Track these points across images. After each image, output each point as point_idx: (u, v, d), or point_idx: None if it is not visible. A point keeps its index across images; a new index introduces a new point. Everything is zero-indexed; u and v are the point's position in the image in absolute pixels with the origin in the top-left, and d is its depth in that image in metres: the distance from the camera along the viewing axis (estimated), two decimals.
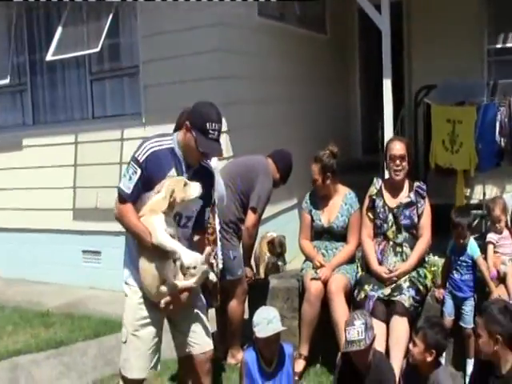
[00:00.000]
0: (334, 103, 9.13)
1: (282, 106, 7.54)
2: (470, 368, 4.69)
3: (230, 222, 5.06)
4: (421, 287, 4.81)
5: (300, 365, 4.93)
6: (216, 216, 4.66)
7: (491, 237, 4.91)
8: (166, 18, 6.64)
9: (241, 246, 5.22)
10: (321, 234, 5.26)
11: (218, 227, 4.71)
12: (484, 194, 6.83)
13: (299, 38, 8.18)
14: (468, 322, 4.71)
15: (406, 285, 4.75)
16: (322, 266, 5.05)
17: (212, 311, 4.93)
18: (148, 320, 3.61)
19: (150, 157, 3.46)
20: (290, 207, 7.41)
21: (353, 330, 3.85)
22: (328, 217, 5.21)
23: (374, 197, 5.05)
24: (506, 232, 4.88)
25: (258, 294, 5.38)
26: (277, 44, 7.51)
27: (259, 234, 5.63)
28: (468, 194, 6.97)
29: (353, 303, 4.88)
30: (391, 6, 6.17)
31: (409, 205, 4.95)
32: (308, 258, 5.27)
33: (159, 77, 6.84)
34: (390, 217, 4.97)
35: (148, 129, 6.97)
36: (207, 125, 3.44)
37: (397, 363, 4.36)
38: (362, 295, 4.81)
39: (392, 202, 5.00)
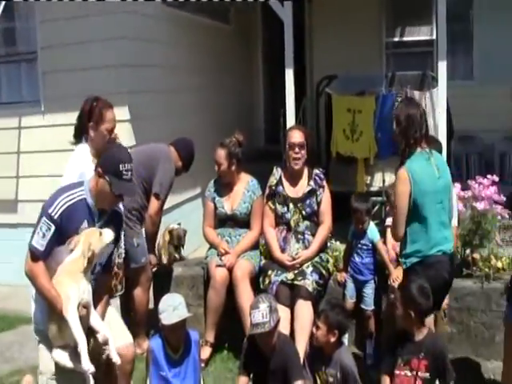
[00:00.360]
0: (237, 93, 9.22)
1: (186, 95, 7.53)
2: (369, 348, 4.88)
3: (133, 209, 5.02)
4: (323, 271, 4.95)
5: (206, 352, 4.97)
6: (120, 205, 4.60)
7: (390, 221, 5.09)
8: (66, 3, 6.47)
9: (144, 233, 5.20)
10: (224, 221, 5.32)
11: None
12: (383, 181, 7.08)
13: (204, 27, 8.20)
14: (368, 304, 4.90)
15: (309, 270, 4.87)
16: (226, 252, 5.11)
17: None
18: None
19: (64, 212, 3.43)
20: (194, 196, 7.41)
21: (258, 313, 3.91)
22: (231, 204, 5.28)
23: (274, 187, 5.15)
24: None
25: (163, 283, 5.39)
26: (182, 33, 7.50)
27: (165, 224, 5.63)
28: (368, 182, 7.19)
29: (258, 290, 4.96)
30: None
31: (310, 193, 5.07)
32: (212, 246, 5.31)
33: (60, 63, 6.64)
34: (292, 206, 5.07)
35: (47, 117, 6.79)
36: (120, 166, 3.47)
37: (301, 346, 4.49)
38: (267, 281, 4.90)
39: (292, 192, 5.12)
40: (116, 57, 6.38)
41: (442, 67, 5.97)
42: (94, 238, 3.47)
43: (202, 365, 4.79)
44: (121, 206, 3.83)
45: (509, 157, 8.08)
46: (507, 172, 8.02)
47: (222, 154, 5.24)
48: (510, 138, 8.20)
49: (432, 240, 4.07)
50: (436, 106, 6.41)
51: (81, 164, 4.20)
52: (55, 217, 3.40)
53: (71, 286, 3.41)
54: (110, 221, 3.64)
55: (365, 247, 4.90)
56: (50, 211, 3.41)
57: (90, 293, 3.50)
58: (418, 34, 8.95)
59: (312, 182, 5.10)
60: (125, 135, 5.28)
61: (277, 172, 5.22)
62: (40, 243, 3.41)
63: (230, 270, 5.02)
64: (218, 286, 4.97)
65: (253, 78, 10.04)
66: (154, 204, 5.09)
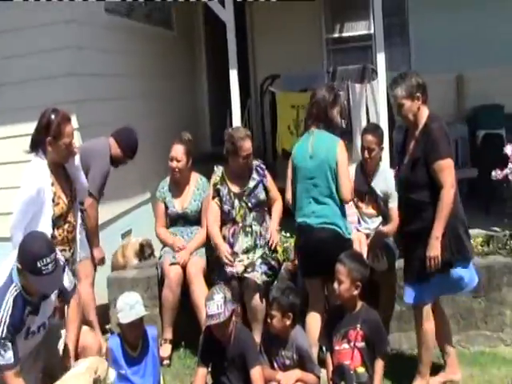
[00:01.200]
0: (183, 97, 9.36)
1: (133, 102, 7.62)
2: None
3: None
4: (273, 262, 5.10)
5: (167, 349, 5.12)
6: (78, 213, 4.68)
7: None
8: (8, 16, 6.50)
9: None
10: (176, 220, 5.48)
11: (79, 221, 4.71)
12: None
13: (147, 34, 8.31)
14: None
15: (258, 261, 5.03)
16: (182, 248, 5.26)
17: None
18: None
19: (8, 323, 3.59)
20: (145, 201, 7.49)
21: (213, 304, 4.09)
22: (182, 203, 5.44)
23: (219, 185, 5.26)
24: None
25: (118, 287, 5.50)
26: (126, 41, 7.60)
27: (117, 229, 5.72)
28: None
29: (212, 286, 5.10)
30: (234, 1, 6.44)
31: (255, 186, 5.25)
32: (166, 245, 5.45)
33: (6, 76, 6.63)
34: (237, 202, 5.21)
35: None
36: (38, 264, 3.54)
37: (257, 334, 4.71)
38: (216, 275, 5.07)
39: (236, 187, 5.25)
40: (61, 67, 6.43)
41: (381, 59, 6.21)
42: (102, 366, 3.82)
43: (167, 361, 5.00)
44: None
45: None
46: None
47: (181, 149, 5.41)
48: (448, 123, 8.42)
49: (300, 210, 4.62)
50: (377, 97, 6.68)
51: (38, 179, 4.26)
52: (4, 335, 3.56)
53: None
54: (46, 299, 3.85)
55: None
56: None
57: None
58: (357, 29, 9.29)
59: (255, 175, 5.28)
60: (76, 144, 5.36)
61: (218, 170, 5.34)
62: (7, 359, 3.58)
63: (184, 268, 5.17)
64: (173, 285, 5.11)
65: (197, 82, 10.18)
66: (88, 200, 5.14)
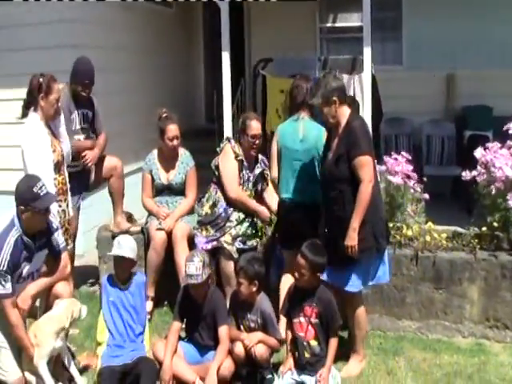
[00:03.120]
0: (178, 73, 9.98)
1: (128, 75, 8.19)
2: None
3: None
4: (249, 242, 5.76)
5: (149, 305, 5.72)
6: (65, 169, 5.40)
7: None
8: None
9: None
10: (161, 190, 6.16)
11: (67, 175, 5.44)
12: None
13: (146, 10, 8.92)
14: None
15: (239, 239, 5.69)
16: (166, 216, 5.92)
17: None
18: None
19: (9, 259, 4.28)
20: (137, 169, 8.01)
21: (192, 266, 4.70)
22: (167, 175, 6.12)
23: (241, 158, 5.76)
24: None
25: (107, 245, 6.06)
26: (124, 16, 8.17)
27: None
28: None
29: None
30: None
31: (260, 174, 5.88)
32: (151, 214, 6.11)
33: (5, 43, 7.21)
34: (249, 184, 5.85)
35: None
36: (34, 189, 4.30)
37: (228, 296, 5.30)
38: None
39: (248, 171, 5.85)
40: (56, 38, 6.98)
41: (367, 52, 6.70)
42: (76, 308, 4.57)
43: (148, 316, 5.51)
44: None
45: (434, 139, 8.95)
46: (432, 153, 8.93)
47: (177, 128, 6.04)
48: (436, 121, 9.11)
49: (283, 187, 5.27)
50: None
51: (37, 128, 5.03)
52: (5, 268, 4.27)
53: (48, 342, 4.41)
54: (43, 240, 4.55)
55: None
56: None
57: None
58: (350, 20, 9.82)
59: (260, 165, 5.91)
60: None
61: (236, 147, 5.78)
62: (7, 288, 4.30)
63: (169, 234, 5.82)
64: (158, 247, 5.77)
65: (195, 59, 10.82)
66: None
